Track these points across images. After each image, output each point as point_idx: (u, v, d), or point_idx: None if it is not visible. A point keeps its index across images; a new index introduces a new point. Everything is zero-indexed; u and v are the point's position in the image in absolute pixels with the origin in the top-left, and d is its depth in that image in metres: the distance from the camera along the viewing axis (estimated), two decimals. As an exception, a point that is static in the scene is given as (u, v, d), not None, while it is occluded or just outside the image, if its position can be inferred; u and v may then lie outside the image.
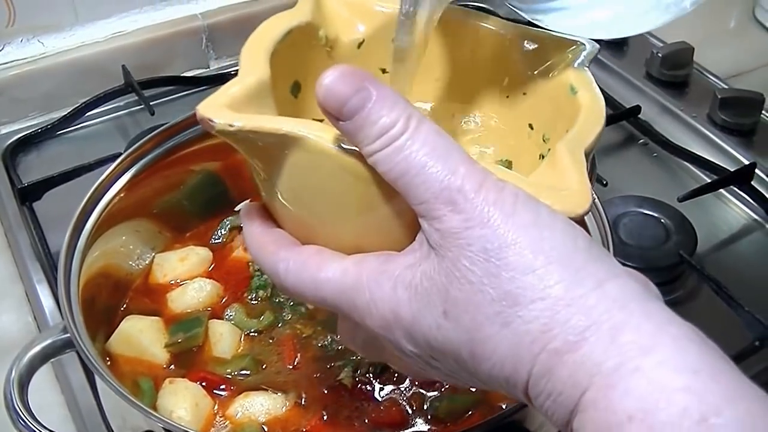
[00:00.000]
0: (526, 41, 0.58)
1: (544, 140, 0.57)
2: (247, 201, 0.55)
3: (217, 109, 0.46)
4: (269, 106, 0.50)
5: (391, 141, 0.42)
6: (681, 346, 0.38)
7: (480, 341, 0.41)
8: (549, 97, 0.57)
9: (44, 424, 0.60)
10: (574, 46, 0.56)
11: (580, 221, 0.44)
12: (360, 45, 0.60)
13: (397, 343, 0.46)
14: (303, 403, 0.69)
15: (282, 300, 0.77)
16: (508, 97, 0.60)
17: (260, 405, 0.68)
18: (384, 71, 0.62)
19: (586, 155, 0.49)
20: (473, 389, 0.69)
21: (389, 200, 0.45)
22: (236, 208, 0.53)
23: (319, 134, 0.45)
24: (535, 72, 0.58)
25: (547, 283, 0.40)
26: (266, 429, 0.68)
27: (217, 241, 0.83)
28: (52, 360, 0.64)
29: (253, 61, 0.51)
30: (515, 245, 0.40)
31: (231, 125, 0.45)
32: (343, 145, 0.45)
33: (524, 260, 0.40)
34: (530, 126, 0.59)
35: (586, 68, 0.56)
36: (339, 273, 0.47)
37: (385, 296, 0.45)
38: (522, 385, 0.41)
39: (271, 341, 0.74)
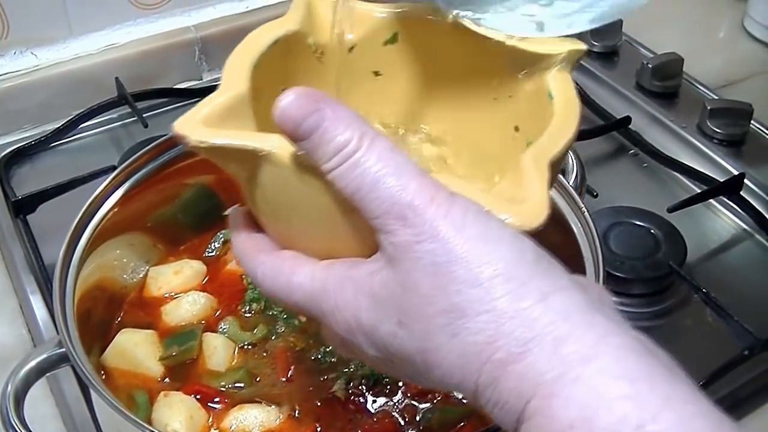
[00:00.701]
0: (512, 43, 0.58)
1: (527, 145, 0.57)
2: (236, 206, 0.56)
3: (193, 125, 0.48)
4: (247, 119, 0.51)
5: (345, 159, 0.44)
6: (621, 356, 0.40)
7: (431, 351, 0.43)
8: (531, 101, 0.58)
9: (40, 438, 0.61)
10: (558, 49, 0.57)
11: (539, 233, 0.46)
12: (351, 49, 0.61)
13: (360, 347, 0.48)
14: (297, 415, 0.69)
15: (275, 313, 0.77)
16: (495, 99, 0.61)
17: (254, 417, 0.69)
18: (377, 74, 0.63)
19: (553, 165, 0.50)
20: (465, 401, 0.70)
21: (351, 213, 0.46)
22: (225, 212, 0.54)
23: (285, 150, 0.46)
24: (521, 74, 0.58)
25: (492, 296, 0.41)
26: (260, 441, 0.68)
27: (211, 254, 0.83)
28: (47, 374, 0.65)
29: (233, 76, 0.52)
30: (463, 259, 0.42)
31: (203, 142, 0.47)
32: (306, 162, 0.46)
33: (471, 274, 0.42)
34: (516, 128, 0.59)
35: (569, 72, 0.56)
36: (308, 278, 0.49)
37: (348, 302, 0.47)
38: (471, 393, 0.43)
39: (264, 354, 0.74)
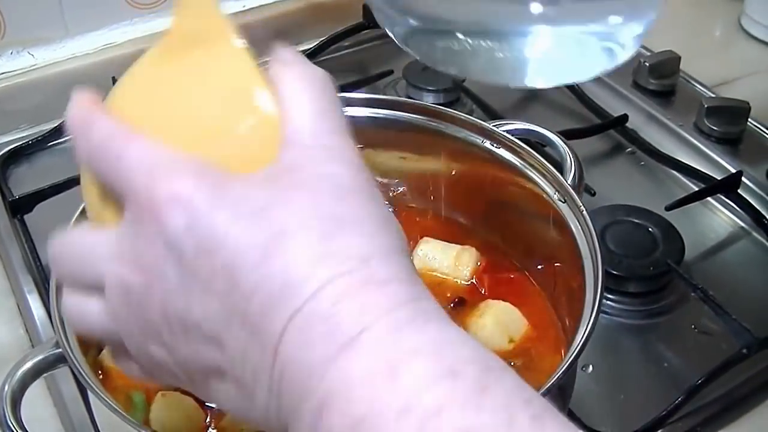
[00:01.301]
0: None
1: None
2: None
3: None
4: None
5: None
6: (442, 316, 0.41)
7: (285, 240, 0.40)
8: None
9: (37, 439, 0.60)
10: None
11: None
12: None
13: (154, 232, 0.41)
14: (294, 415, 0.69)
15: (273, 312, 0.77)
16: None
17: (252, 417, 0.69)
18: None
19: None
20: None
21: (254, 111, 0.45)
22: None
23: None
24: None
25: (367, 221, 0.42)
26: (258, 441, 0.68)
27: (208, 253, 0.83)
28: (44, 375, 0.65)
29: None
30: (365, 192, 0.43)
31: None
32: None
33: (368, 208, 0.42)
34: None
35: None
36: (152, 149, 0.43)
37: (187, 171, 0.42)
38: (293, 307, 0.39)
39: (262, 354, 0.74)
